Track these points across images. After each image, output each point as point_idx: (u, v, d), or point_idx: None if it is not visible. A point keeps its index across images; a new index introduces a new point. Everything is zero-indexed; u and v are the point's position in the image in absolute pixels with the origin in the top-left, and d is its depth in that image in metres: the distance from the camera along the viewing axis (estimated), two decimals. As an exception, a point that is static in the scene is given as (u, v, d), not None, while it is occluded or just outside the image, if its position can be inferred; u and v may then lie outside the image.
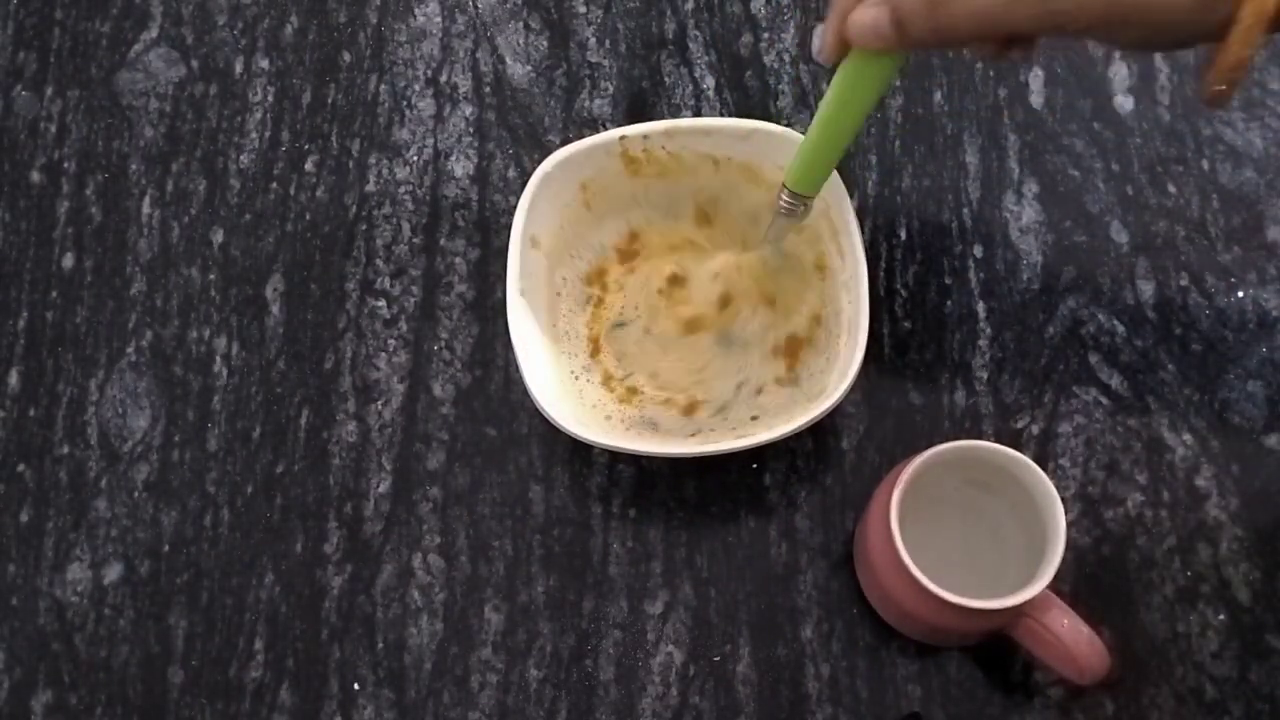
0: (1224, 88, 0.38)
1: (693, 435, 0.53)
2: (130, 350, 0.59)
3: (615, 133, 0.54)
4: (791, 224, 0.52)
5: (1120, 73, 0.61)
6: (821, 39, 0.44)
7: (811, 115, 0.61)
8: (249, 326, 0.59)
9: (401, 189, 0.61)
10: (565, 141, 0.57)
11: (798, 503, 0.55)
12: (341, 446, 0.57)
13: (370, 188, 0.61)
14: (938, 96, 0.61)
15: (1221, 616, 0.52)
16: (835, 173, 0.53)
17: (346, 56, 0.64)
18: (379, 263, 0.60)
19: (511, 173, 0.61)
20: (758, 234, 0.56)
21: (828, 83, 0.47)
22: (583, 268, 0.57)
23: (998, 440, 0.52)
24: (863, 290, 0.51)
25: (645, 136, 0.55)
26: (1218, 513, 0.54)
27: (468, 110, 0.62)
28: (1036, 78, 0.61)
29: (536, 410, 0.53)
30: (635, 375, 0.56)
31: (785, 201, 0.51)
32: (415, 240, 0.60)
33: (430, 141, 0.62)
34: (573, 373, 0.55)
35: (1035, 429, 0.55)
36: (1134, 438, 0.55)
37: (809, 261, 0.55)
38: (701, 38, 0.63)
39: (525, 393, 0.52)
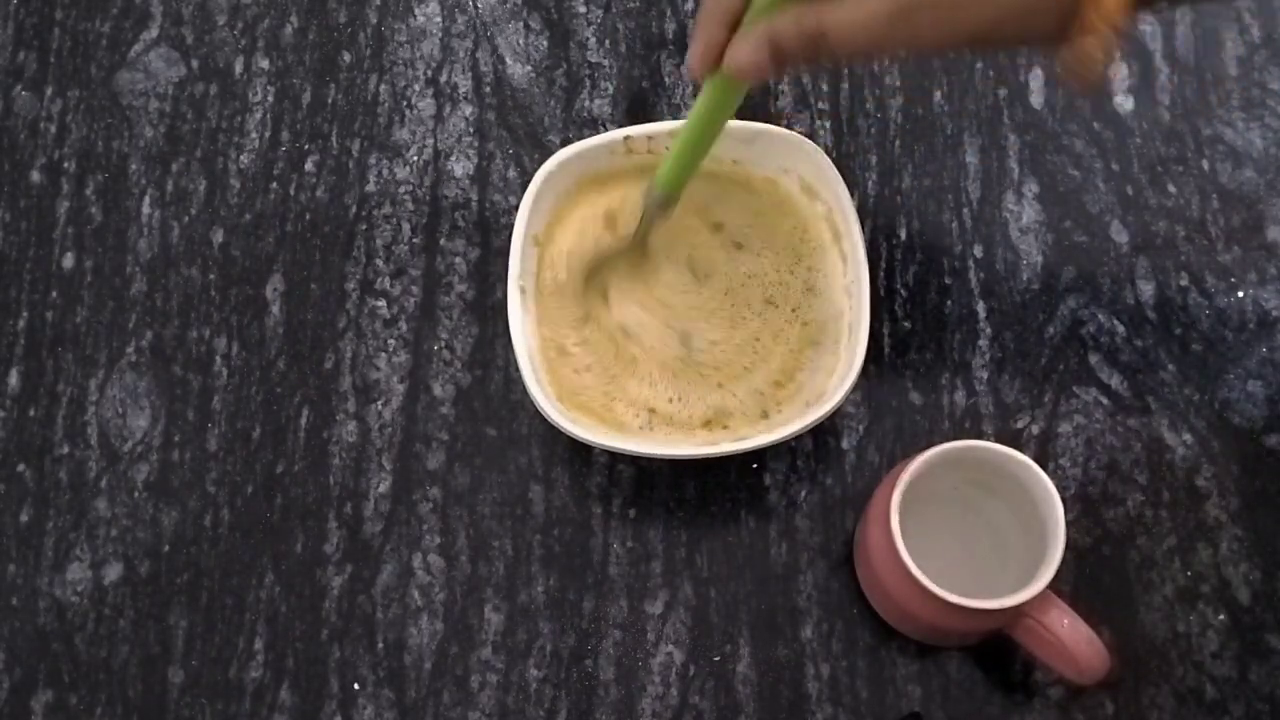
0: (1086, 81, 0.41)
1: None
2: (130, 350, 0.59)
3: (619, 133, 0.55)
4: (660, 220, 0.53)
5: (1120, 73, 0.61)
6: (689, 61, 0.47)
7: (812, 115, 0.61)
8: (249, 326, 0.59)
9: (401, 189, 0.61)
10: (565, 142, 0.57)
11: (798, 503, 0.55)
12: (341, 446, 0.57)
13: (370, 188, 0.61)
14: (938, 96, 0.61)
15: (1221, 616, 0.52)
16: (838, 176, 0.53)
17: (346, 56, 0.64)
18: (379, 263, 0.60)
19: (511, 173, 0.61)
20: (759, 236, 0.56)
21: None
22: (584, 268, 0.57)
23: (998, 440, 0.52)
24: (864, 294, 0.51)
25: (650, 137, 0.55)
26: (1218, 513, 0.54)
27: (468, 110, 0.62)
28: (1036, 78, 0.61)
29: (536, 410, 0.53)
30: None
31: (659, 199, 0.52)
32: (415, 240, 0.60)
33: (430, 141, 0.62)
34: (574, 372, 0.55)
35: (1035, 429, 0.55)
36: (1134, 438, 0.55)
37: (808, 266, 0.56)
38: (701, 38, 0.63)
39: (525, 393, 0.52)
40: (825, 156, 0.54)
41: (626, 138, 0.55)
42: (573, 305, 0.55)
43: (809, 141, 0.54)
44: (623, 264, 0.55)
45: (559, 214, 0.55)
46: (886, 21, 0.41)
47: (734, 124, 0.55)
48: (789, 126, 0.58)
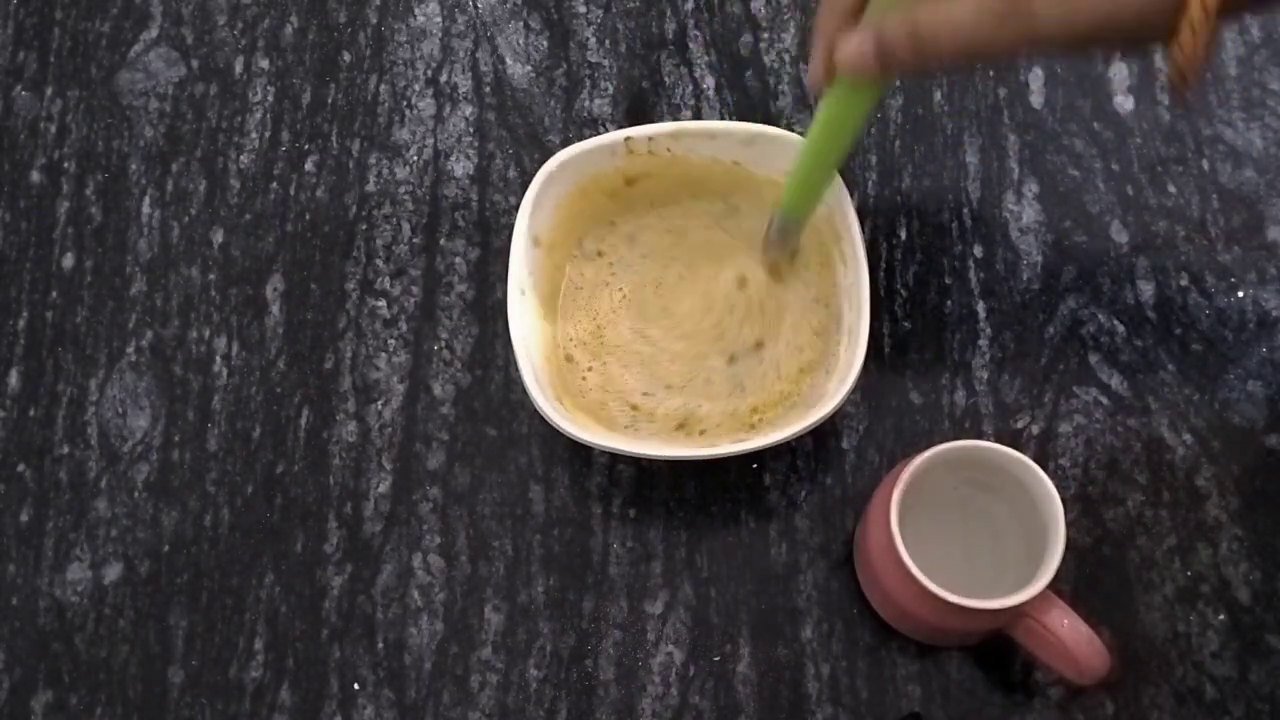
0: (1185, 80, 0.40)
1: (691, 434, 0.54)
2: (130, 350, 0.59)
3: (620, 134, 0.55)
4: (787, 248, 0.53)
5: (1120, 73, 0.61)
6: (810, 69, 0.46)
7: (811, 116, 0.61)
8: (249, 326, 0.59)
9: (401, 189, 0.61)
10: (565, 142, 0.57)
11: (798, 503, 0.55)
12: (341, 446, 0.57)
13: (370, 188, 0.61)
14: (938, 96, 0.61)
15: (1221, 616, 0.52)
16: (839, 178, 0.53)
17: (346, 56, 0.64)
18: (379, 263, 0.60)
19: (511, 173, 0.61)
20: (759, 237, 0.56)
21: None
22: (585, 268, 0.57)
23: (998, 440, 0.52)
24: (864, 296, 0.51)
25: (651, 138, 0.55)
26: (1218, 513, 0.54)
27: (468, 110, 0.62)
28: (1036, 78, 0.61)
29: (536, 410, 0.53)
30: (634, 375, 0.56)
31: (779, 226, 0.51)
32: (415, 240, 0.60)
33: (430, 141, 0.62)
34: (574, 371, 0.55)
35: (1035, 429, 0.55)
36: (1134, 438, 0.55)
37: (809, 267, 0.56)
38: (701, 38, 0.63)
39: (525, 392, 0.52)
40: None
41: (628, 138, 0.55)
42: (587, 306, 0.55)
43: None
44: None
45: (559, 214, 0.55)
46: (997, 17, 0.39)
47: (733, 125, 0.55)
48: (789, 127, 0.58)
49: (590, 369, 0.56)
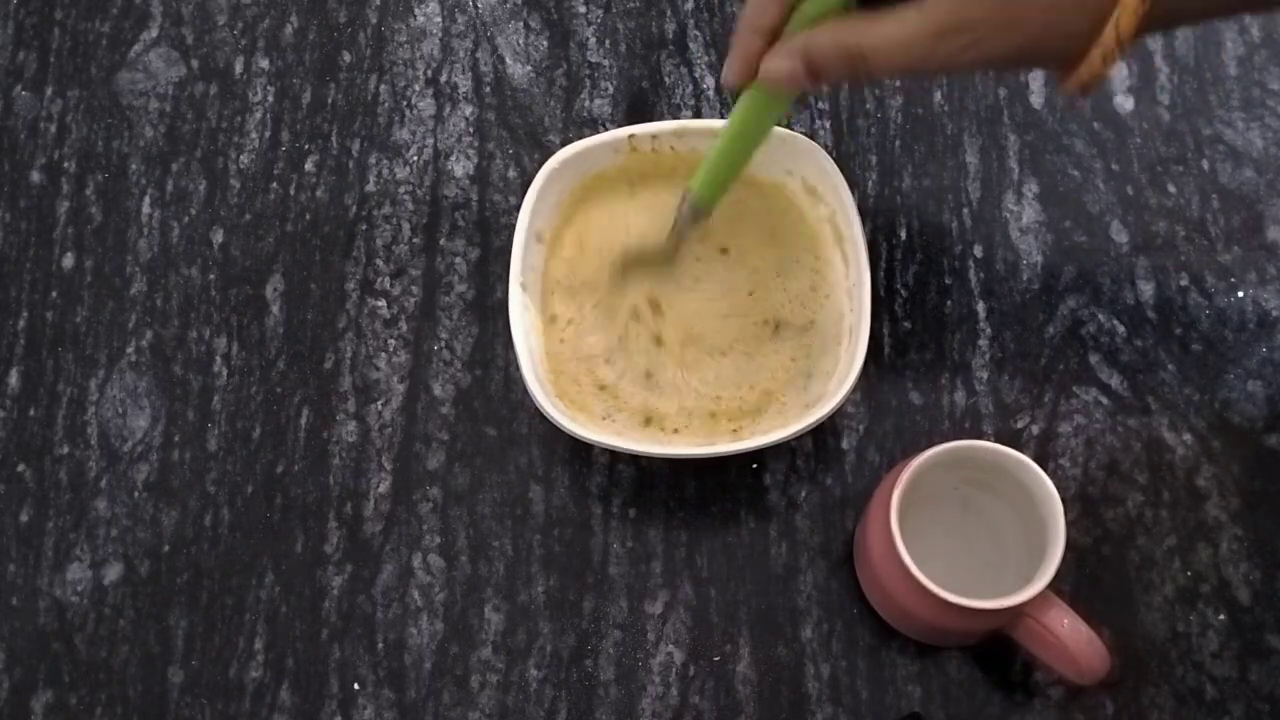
0: (1085, 94, 0.42)
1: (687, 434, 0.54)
2: (130, 350, 0.59)
3: (624, 131, 0.55)
4: (693, 231, 0.53)
5: (1120, 73, 0.61)
6: (725, 70, 0.47)
7: (812, 115, 0.61)
8: (249, 326, 0.59)
9: (401, 189, 0.61)
10: (565, 142, 0.57)
11: (798, 503, 0.55)
12: (341, 446, 0.57)
13: (370, 188, 0.61)
14: (938, 96, 0.61)
15: (1221, 616, 0.52)
16: (841, 177, 0.53)
17: (346, 56, 0.64)
18: (379, 263, 0.60)
19: (511, 173, 0.61)
20: (761, 237, 0.56)
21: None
22: (586, 265, 0.57)
23: (998, 440, 0.52)
24: (865, 296, 0.51)
25: (654, 136, 0.55)
26: (1218, 513, 0.54)
27: (468, 110, 0.62)
28: (1036, 78, 0.61)
29: (536, 410, 0.53)
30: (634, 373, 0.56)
31: (690, 209, 0.51)
32: (415, 240, 0.60)
33: (430, 141, 0.62)
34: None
35: (1035, 429, 0.55)
36: (1134, 438, 0.55)
37: (809, 269, 0.56)
38: (701, 38, 0.63)
39: (525, 392, 0.52)
40: (828, 157, 0.54)
41: (630, 136, 0.55)
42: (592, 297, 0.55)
43: (811, 142, 0.54)
44: (649, 270, 0.55)
45: (562, 211, 0.55)
46: (930, 40, 0.40)
47: None
48: (789, 127, 0.58)
49: (570, 322, 0.55)
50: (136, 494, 0.57)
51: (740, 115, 0.48)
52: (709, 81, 0.62)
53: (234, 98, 0.63)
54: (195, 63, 0.64)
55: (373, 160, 0.62)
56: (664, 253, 0.54)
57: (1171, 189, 0.59)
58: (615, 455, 0.56)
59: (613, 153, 0.55)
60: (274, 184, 0.61)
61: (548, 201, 0.54)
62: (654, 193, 0.57)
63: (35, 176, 0.62)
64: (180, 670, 0.54)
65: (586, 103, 0.62)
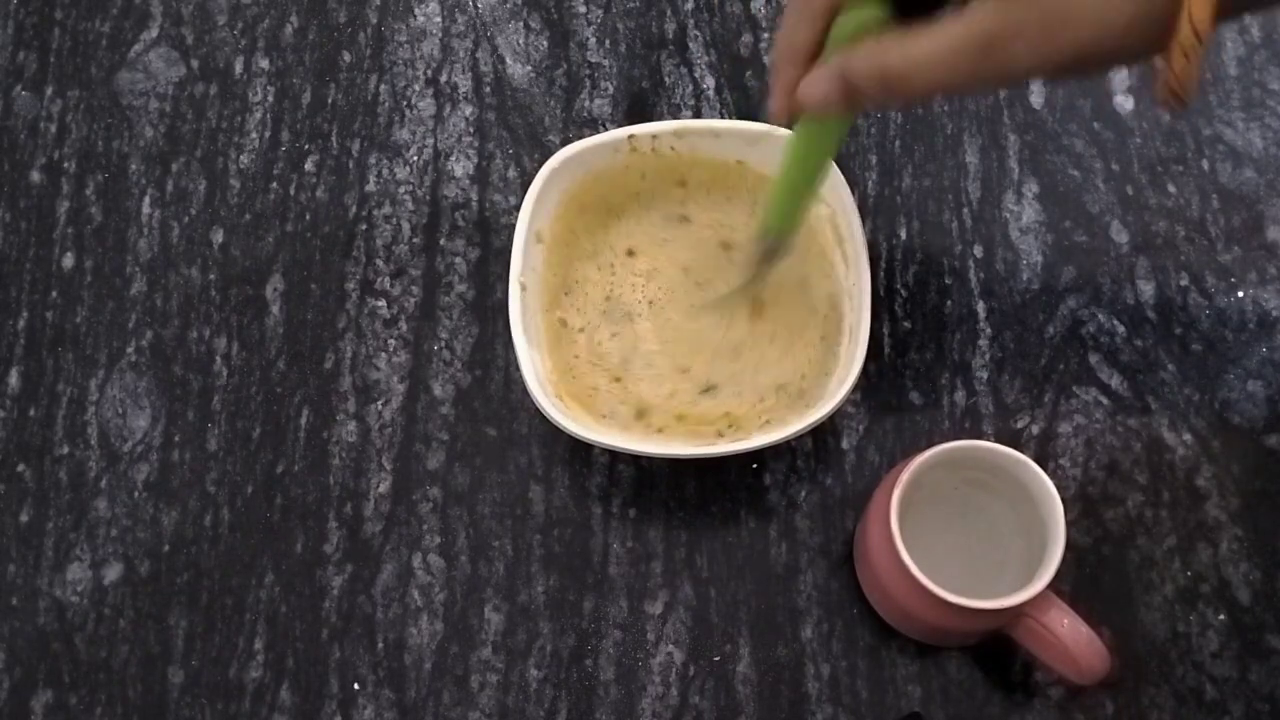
0: (1180, 98, 0.38)
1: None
2: (130, 350, 0.59)
3: (624, 131, 0.55)
4: (770, 267, 0.52)
5: (1120, 73, 0.61)
6: (770, 107, 0.45)
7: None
8: (249, 326, 0.59)
9: (401, 189, 0.61)
10: (565, 142, 0.57)
11: (798, 503, 0.55)
12: (341, 446, 0.57)
13: (370, 188, 0.61)
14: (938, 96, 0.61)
15: (1221, 616, 0.52)
16: (842, 179, 0.53)
17: (346, 56, 0.64)
18: (379, 263, 0.60)
19: (511, 173, 0.61)
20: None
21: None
22: (587, 265, 0.57)
23: (998, 440, 0.52)
24: (865, 297, 0.51)
25: (654, 136, 0.55)
26: (1218, 513, 0.54)
27: (468, 110, 0.62)
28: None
29: (537, 410, 0.53)
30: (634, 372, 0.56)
31: (767, 247, 0.51)
32: (415, 240, 0.60)
33: (430, 141, 0.62)
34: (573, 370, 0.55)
35: (1035, 429, 0.55)
36: (1134, 438, 0.55)
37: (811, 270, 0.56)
38: (701, 38, 0.63)
39: (525, 392, 0.52)
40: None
41: (631, 136, 0.55)
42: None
43: None
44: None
45: (562, 211, 0.55)
46: (974, 55, 0.37)
47: (739, 125, 0.55)
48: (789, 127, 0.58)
49: (581, 330, 0.55)
50: (136, 494, 0.57)
51: (795, 145, 0.47)
52: (709, 81, 0.62)
53: (234, 98, 0.63)
54: (195, 63, 0.64)
55: (373, 160, 0.62)
56: (743, 291, 0.54)
57: (1171, 189, 0.59)
58: (615, 455, 0.56)
59: (613, 152, 0.55)
60: (274, 184, 0.61)
61: (547, 201, 0.54)
62: (654, 193, 0.57)
63: (35, 176, 0.62)
64: (180, 670, 0.54)
65: (586, 103, 0.62)
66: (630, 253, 0.57)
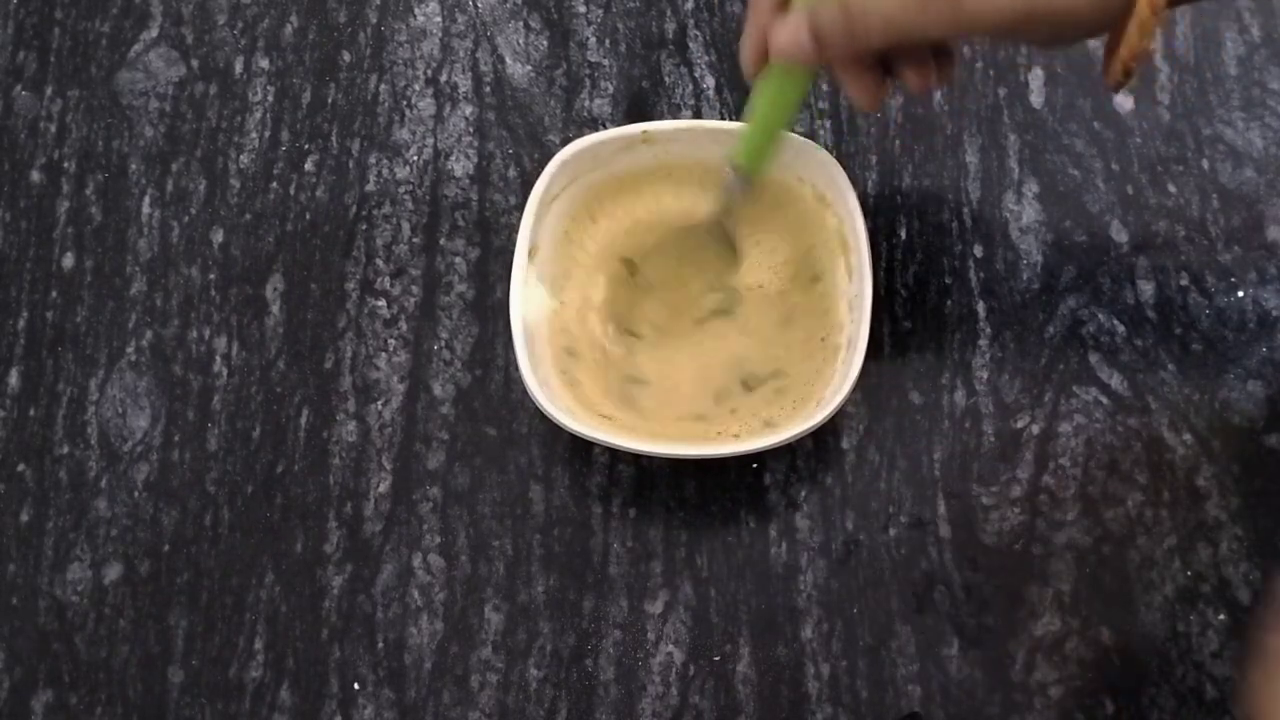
0: (1127, 75, 0.40)
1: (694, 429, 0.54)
2: (130, 350, 0.59)
3: (637, 127, 0.55)
4: (742, 203, 0.53)
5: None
6: (741, 51, 0.47)
7: (812, 115, 0.61)
8: (249, 326, 0.59)
9: (401, 189, 0.61)
10: (565, 141, 0.57)
11: (798, 503, 0.55)
12: (341, 446, 0.57)
13: (370, 188, 0.61)
14: (938, 96, 0.61)
15: (1221, 616, 0.52)
16: (850, 187, 0.53)
17: (346, 56, 0.64)
18: (379, 263, 0.60)
19: (511, 172, 0.61)
20: (768, 242, 0.56)
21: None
22: (589, 263, 0.57)
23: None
24: (865, 309, 0.51)
25: (665, 132, 0.55)
26: (1218, 512, 0.54)
27: (468, 110, 0.62)
28: (1036, 77, 0.61)
29: (536, 410, 0.53)
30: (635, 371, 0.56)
31: (736, 181, 0.52)
32: (415, 240, 0.60)
33: (430, 141, 0.62)
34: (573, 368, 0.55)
35: (1035, 429, 0.55)
36: (1134, 437, 0.55)
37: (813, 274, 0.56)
38: (701, 38, 0.63)
39: (525, 392, 0.52)
40: (838, 166, 0.53)
41: (644, 132, 0.55)
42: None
43: (822, 150, 0.54)
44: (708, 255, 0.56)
45: (566, 209, 0.55)
46: (923, 1, 0.40)
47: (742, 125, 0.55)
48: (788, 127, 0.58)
49: (582, 330, 0.55)
50: (136, 494, 0.57)
51: (767, 89, 0.48)
52: (709, 81, 0.62)
53: (234, 97, 0.63)
54: (195, 62, 0.64)
55: (373, 160, 0.62)
56: (711, 228, 0.54)
57: (1171, 189, 0.59)
58: (615, 455, 0.56)
59: (626, 148, 0.55)
60: (274, 184, 0.61)
61: (552, 200, 0.54)
62: (657, 190, 0.57)
63: (35, 176, 0.62)
64: (180, 670, 0.54)
65: (586, 102, 0.62)
66: (633, 252, 0.57)
